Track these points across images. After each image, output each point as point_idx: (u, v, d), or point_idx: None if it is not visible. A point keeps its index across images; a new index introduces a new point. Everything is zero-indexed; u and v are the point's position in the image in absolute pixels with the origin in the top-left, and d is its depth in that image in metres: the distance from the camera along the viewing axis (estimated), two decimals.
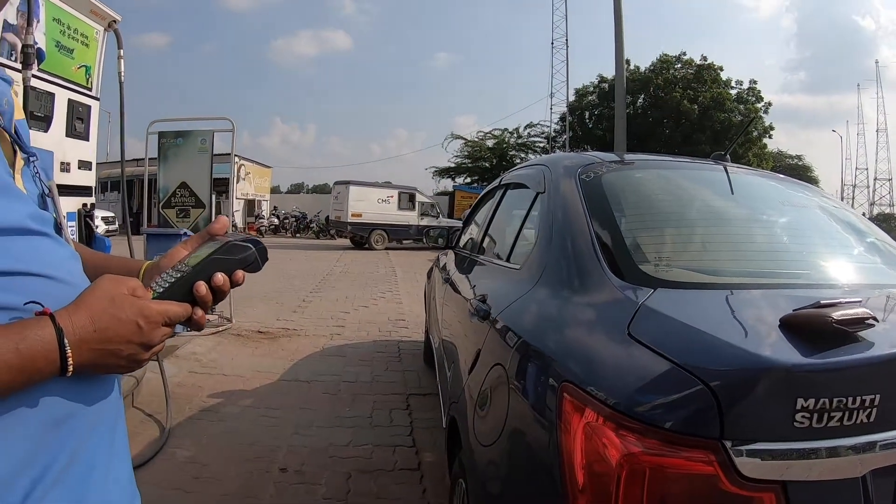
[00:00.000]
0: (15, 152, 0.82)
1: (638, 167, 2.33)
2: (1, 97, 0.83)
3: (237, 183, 28.83)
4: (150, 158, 7.48)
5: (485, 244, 3.18)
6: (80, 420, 0.77)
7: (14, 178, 0.78)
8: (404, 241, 22.70)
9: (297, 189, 79.65)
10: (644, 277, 1.46)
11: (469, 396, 1.92)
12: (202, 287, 0.83)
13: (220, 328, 6.70)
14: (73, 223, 3.86)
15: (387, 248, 21.75)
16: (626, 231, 1.71)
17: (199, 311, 0.86)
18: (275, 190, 45.69)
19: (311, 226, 29.31)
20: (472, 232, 3.84)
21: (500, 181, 3.38)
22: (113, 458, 0.86)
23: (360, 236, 21.98)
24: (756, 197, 2.26)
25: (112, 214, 20.72)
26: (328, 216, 25.98)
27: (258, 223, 29.46)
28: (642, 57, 43.53)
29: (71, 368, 0.70)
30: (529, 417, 1.37)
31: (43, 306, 0.70)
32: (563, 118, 38.14)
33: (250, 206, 32.64)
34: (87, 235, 3.98)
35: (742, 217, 2.07)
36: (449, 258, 4.09)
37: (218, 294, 0.86)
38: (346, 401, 4.43)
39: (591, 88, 39.18)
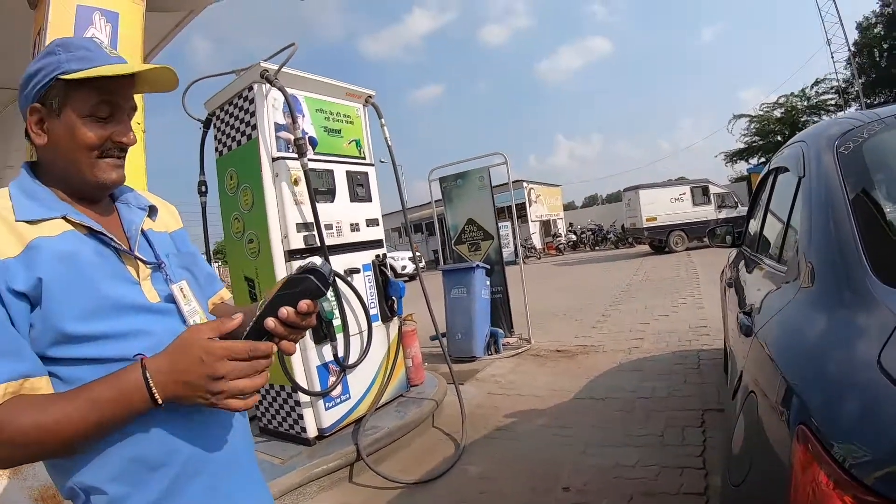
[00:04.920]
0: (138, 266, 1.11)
1: None
2: (130, 225, 1.16)
3: (530, 207, 29.95)
4: (436, 201, 8.32)
5: (760, 241, 2.79)
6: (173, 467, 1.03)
7: (141, 284, 1.09)
8: (705, 239, 21.03)
9: (591, 202, 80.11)
10: None
11: (732, 426, 1.70)
12: (270, 322, 0.99)
13: (520, 350, 7.01)
14: (370, 272, 4.46)
15: (687, 249, 20.40)
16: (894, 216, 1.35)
17: (283, 343, 1.05)
18: (569, 206, 46.46)
19: (609, 236, 28.97)
20: (753, 225, 3.43)
21: (769, 165, 2.98)
22: None
23: (659, 240, 20.98)
24: None
25: (418, 254, 23.17)
26: (623, 224, 25.47)
27: (556, 242, 30.12)
28: None
29: (159, 399, 0.95)
30: (769, 461, 1.15)
31: (145, 357, 0.98)
32: (848, 62, 31.04)
33: (546, 226, 33.60)
34: (384, 281, 4.54)
35: None
36: (737, 256, 3.71)
37: (292, 324, 1.01)
38: (639, 418, 4.26)
39: (873, 19, 31.36)
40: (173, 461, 1.02)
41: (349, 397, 4.12)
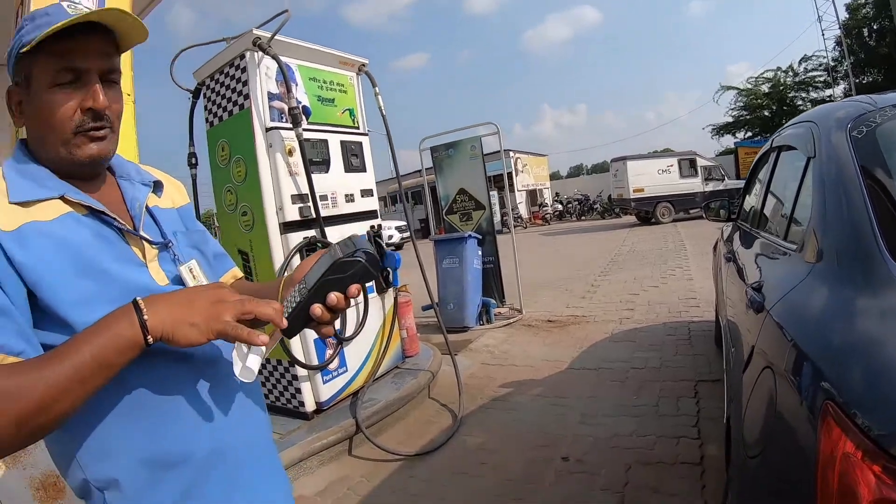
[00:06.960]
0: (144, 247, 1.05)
1: None
2: (134, 202, 1.09)
3: (516, 176, 29.87)
4: (427, 169, 8.27)
5: (762, 217, 2.80)
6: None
7: (147, 266, 1.03)
8: (691, 211, 21.16)
9: (576, 172, 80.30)
10: None
11: (741, 399, 1.72)
12: (317, 309, 0.93)
13: (512, 320, 7.06)
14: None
15: (674, 221, 20.49)
16: None
17: (323, 328, 0.98)
18: (555, 176, 46.41)
19: (595, 207, 29.05)
20: (751, 201, 3.42)
21: (772, 143, 2.96)
22: None
23: (646, 211, 21.06)
24: None
25: (404, 223, 23.25)
26: (610, 195, 25.50)
27: (542, 211, 30.14)
28: None
29: (146, 317, 0.84)
30: (791, 435, 1.19)
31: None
32: (838, 42, 31.06)
33: (532, 196, 33.60)
34: (379, 252, 4.51)
35: None
36: (732, 230, 3.71)
37: (337, 310, 0.95)
38: (632, 388, 4.33)
39: (862, 0, 31.20)
40: (192, 456, 0.96)
41: (346, 370, 4.12)
